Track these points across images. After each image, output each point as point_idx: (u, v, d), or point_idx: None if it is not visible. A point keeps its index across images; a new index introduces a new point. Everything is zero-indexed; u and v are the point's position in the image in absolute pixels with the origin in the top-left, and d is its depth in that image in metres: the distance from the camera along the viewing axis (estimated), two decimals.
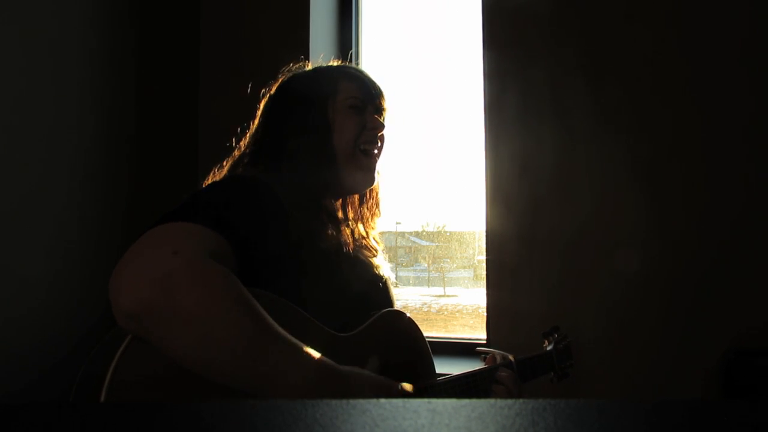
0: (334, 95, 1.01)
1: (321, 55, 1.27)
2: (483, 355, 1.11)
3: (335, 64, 1.12)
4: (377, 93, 1.05)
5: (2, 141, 1.37)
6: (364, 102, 1.02)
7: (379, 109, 1.06)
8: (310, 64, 1.11)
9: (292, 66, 1.11)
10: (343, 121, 1.00)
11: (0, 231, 1.35)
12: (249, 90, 1.12)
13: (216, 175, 1.03)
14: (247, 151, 1.03)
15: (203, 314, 0.67)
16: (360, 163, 1.01)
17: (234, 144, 1.07)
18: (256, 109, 1.08)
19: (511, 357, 1.05)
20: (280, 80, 1.08)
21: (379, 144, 1.04)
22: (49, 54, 1.48)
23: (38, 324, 1.42)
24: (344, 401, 0.31)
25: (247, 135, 1.06)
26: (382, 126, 1.03)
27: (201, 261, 0.70)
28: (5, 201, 1.37)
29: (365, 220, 1.10)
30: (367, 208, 1.11)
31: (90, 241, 1.58)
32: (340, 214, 1.06)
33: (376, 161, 1.04)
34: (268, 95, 1.07)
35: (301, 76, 1.07)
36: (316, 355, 0.73)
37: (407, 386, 0.83)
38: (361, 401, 0.31)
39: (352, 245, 0.99)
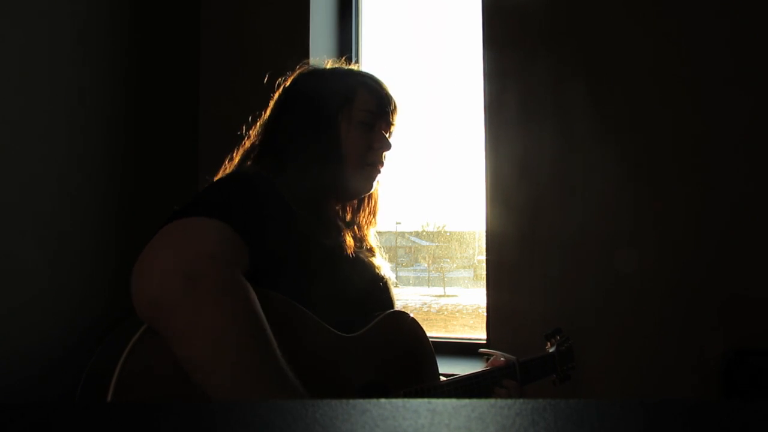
0: (350, 104, 1.00)
1: (325, 56, 1.25)
2: (486, 357, 1.11)
3: (355, 68, 1.09)
4: (391, 109, 1.04)
5: (1, 141, 1.37)
6: (376, 118, 1.02)
7: (389, 124, 1.05)
8: (330, 61, 1.11)
9: (314, 59, 1.10)
10: (353, 135, 0.99)
11: (0, 230, 1.35)
12: (265, 81, 1.10)
13: (227, 167, 1.03)
14: (257, 142, 1.03)
15: (217, 328, 0.67)
16: (364, 174, 1.02)
17: (244, 132, 1.07)
18: (259, 101, 1.07)
19: (514, 358, 1.05)
20: (297, 72, 1.07)
21: (384, 161, 1.04)
22: (48, 53, 1.48)
23: (39, 323, 1.42)
24: (344, 401, 0.31)
25: (258, 124, 1.06)
26: (389, 146, 1.03)
27: (232, 273, 0.70)
28: (5, 201, 1.37)
29: (360, 227, 1.10)
30: (363, 216, 1.10)
31: (90, 240, 1.58)
32: (337, 215, 1.06)
33: (378, 173, 1.04)
34: (282, 87, 1.06)
35: (319, 75, 1.06)
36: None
37: None
38: (361, 401, 0.31)
39: (352, 246, 0.99)
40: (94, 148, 1.62)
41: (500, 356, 1.07)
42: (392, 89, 1.06)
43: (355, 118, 1.00)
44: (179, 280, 0.66)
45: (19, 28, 1.41)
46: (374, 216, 1.12)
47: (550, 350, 1.13)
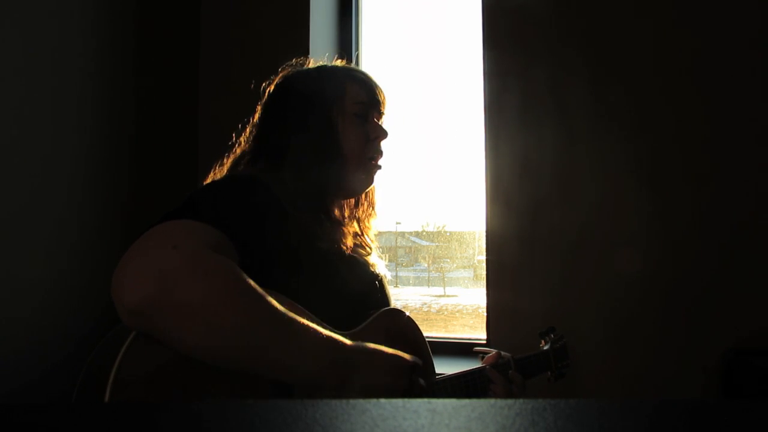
0: (341, 98, 1.00)
1: (325, 55, 1.25)
2: (481, 355, 1.12)
3: (340, 64, 1.11)
4: (381, 98, 1.05)
5: (2, 141, 1.37)
6: (369, 108, 1.03)
7: (381, 114, 1.06)
8: (312, 61, 1.11)
9: (294, 62, 1.10)
10: (349, 129, 1.00)
11: (0, 231, 1.35)
12: (253, 86, 1.11)
13: (217, 172, 1.03)
14: (248, 148, 1.03)
15: (210, 304, 0.67)
16: (366, 169, 1.02)
17: (234, 140, 1.07)
18: (257, 104, 1.07)
19: (509, 356, 1.06)
20: (280, 75, 1.07)
21: (382, 151, 1.05)
22: (48, 54, 1.48)
23: (39, 324, 1.42)
24: (344, 401, 0.31)
25: (248, 130, 1.06)
26: (385, 134, 1.04)
27: (201, 252, 0.70)
28: (5, 201, 1.37)
29: (360, 221, 1.10)
30: (363, 210, 1.11)
31: (90, 241, 1.58)
32: (337, 214, 1.06)
33: (379, 168, 1.05)
34: (268, 91, 1.06)
35: (306, 74, 1.06)
36: (328, 334, 0.73)
37: (411, 358, 0.81)
38: (361, 401, 0.31)
39: (349, 245, 0.99)
40: (95, 148, 1.62)
41: (495, 354, 1.08)
42: (378, 79, 1.07)
43: (349, 112, 1.00)
44: (150, 282, 0.66)
45: (19, 31, 1.41)
46: (373, 208, 1.12)
47: (545, 348, 1.14)
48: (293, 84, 1.05)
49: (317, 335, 0.72)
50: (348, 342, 0.75)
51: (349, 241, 0.99)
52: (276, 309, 0.71)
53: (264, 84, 1.08)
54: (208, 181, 1.00)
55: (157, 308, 0.66)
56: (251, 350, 0.69)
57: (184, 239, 0.71)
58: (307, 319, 0.82)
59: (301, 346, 0.71)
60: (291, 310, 0.80)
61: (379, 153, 1.04)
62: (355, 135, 1.00)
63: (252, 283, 0.71)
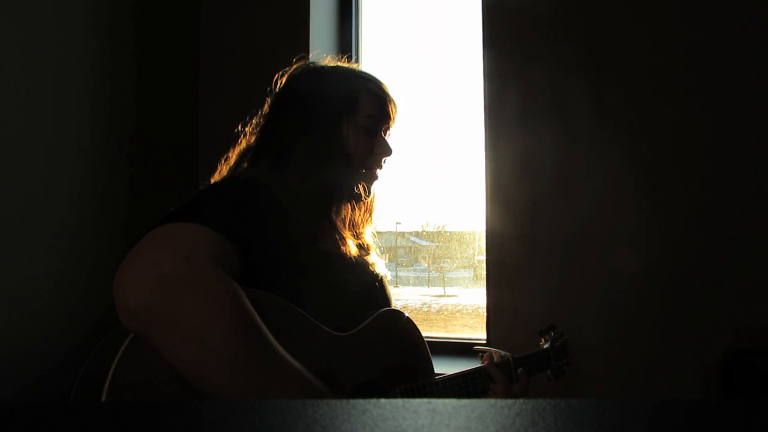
0: (353, 109, 1.00)
1: (326, 54, 1.24)
2: (480, 354, 1.12)
3: (356, 68, 1.09)
4: (392, 113, 1.05)
5: (3, 141, 1.37)
6: (378, 122, 1.02)
7: (389, 127, 1.06)
8: (329, 59, 1.10)
9: (311, 55, 1.09)
10: (356, 140, 1.00)
11: (0, 231, 1.35)
12: (255, 85, 1.10)
13: (222, 167, 1.03)
14: (253, 143, 1.02)
15: (202, 324, 0.67)
16: (367, 179, 1.02)
17: (240, 129, 1.06)
18: (259, 102, 1.06)
19: (509, 354, 1.06)
20: (295, 67, 1.06)
21: (383, 166, 1.06)
22: (49, 54, 1.48)
23: (39, 324, 1.42)
24: (344, 401, 0.31)
25: (254, 122, 1.05)
26: (389, 152, 1.04)
27: (209, 269, 0.70)
28: (6, 201, 1.37)
29: (357, 226, 1.10)
30: (359, 215, 1.10)
31: (90, 241, 1.58)
32: (336, 217, 1.06)
33: (376, 178, 1.05)
34: (280, 85, 1.05)
35: (320, 75, 1.04)
36: (307, 378, 0.73)
37: None
38: (361, 401, 0.31)
39: (349, 247, 0.99)
40: (95, 149, 1.61)
41: (494, 353, 1.08)
42: (392, 90, 1.06)
43: (359, 124, 1.00)
44: (154, 287, 0.66)
45: (19, 30, 1.41)
46: (370, 215, 1.12)
47: (545, 346, 1.14)
48: (306, 83, 1.03)
49: (298, 378, 0.71)
50: (325, 392, 0.74)
51: (350, 244, 0.99)
52: (265, 342, 0.70)
53: (276, 75, 1.06)
54: (215, 177, 1.00)
55: (156, 315, 0.65)
56: (228, 378, 0.68)
57: (193, 248, 0.70)
58: (308, 324, 0.83)
59: (279, 386, 0.70)
60: (292, 317, 0.81)
61: (379, 167, 1.04)
62: (360, 147, 1.00)
63: (249, 308, 0.70)
